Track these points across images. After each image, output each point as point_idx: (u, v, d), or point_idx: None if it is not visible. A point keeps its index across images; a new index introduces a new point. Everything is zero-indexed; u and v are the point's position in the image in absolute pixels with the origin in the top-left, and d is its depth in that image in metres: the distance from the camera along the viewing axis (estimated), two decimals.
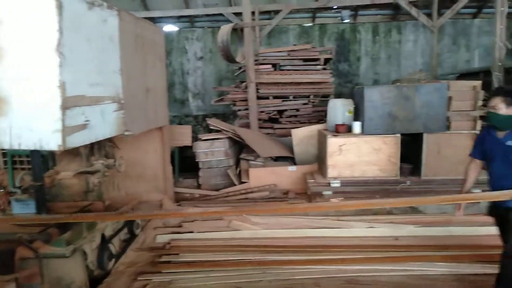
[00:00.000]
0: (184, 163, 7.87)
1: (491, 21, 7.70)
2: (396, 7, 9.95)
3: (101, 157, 3.86)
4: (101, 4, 3.02)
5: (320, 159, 5.65)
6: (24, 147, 2.63)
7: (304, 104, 7.10)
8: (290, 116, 7.16)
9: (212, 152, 6.10)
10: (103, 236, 3.90)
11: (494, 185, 2.91)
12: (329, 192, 5.00)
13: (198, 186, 6.17)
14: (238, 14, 8.89)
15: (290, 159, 6.28)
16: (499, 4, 6.79)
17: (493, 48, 6.90)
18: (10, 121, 2.59)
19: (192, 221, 5.06)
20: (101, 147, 3.88)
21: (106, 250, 3.84)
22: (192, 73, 10.80)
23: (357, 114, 5.30)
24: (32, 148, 2.63)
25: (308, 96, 7.13)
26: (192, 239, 4.67)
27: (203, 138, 6.14)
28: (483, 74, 7.50)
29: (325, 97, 7.17)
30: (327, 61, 7.25)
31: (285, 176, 5.72)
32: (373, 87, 5.02)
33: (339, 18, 10.37)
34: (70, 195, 3.63)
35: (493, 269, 3.65)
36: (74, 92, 2.71)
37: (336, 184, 5.04)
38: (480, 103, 5.04)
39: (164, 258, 4.14)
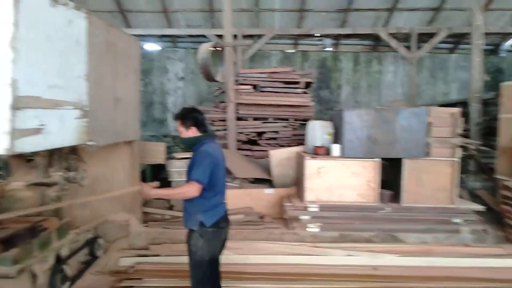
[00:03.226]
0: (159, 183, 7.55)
1: (467, 57, 7.90)
2: (376, 38, 10.17)
3: (61, 169, 3.54)
4: (66, 3, 2.83)
5: (298, 182, 5.46)
6: None
7: (284, 126, 6.97)
8: (270, 139, 7.00)
9: None
10: (58, 256, 3.54)
11: None
12: (307, 217, 4.78)
13: (170, 208, 5.84)
14: (221, 36, 8.88)
15: (268, 182, 6.07)
16: (475, 38, 6.97)
17: (471, 80, 7.02)
18: None
19: (160, 244, 4.73)
20: (62, 158, 3.58)
21: (60, 272, 3.47)
22: (173, 93, 10.63)
23: (337, 137, 5.18)
24: None
25: (288, 119, 7.02)
26: (159, 263, 4.33)
27: (178, 157, 5.88)
28: (461, 106, 7.58)
29: (306, 121, 7.07)
30: (308, 85, 7.21)
31: (261, 199, 5.49)
32: (353, 110, 4.92)
33: (321, 46, 10.50)
34: (22, 208, 3.28)
35: None
36: (28, 93, 2.46)
37: (314, 208, 4.83)
38: (459, 130, 5.01)
39: (125, 283, 3.78)
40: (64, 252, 3.69)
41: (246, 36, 9.92)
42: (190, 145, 2.86)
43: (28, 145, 2.49)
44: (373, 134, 4.82)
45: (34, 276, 3.16)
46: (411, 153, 4.84)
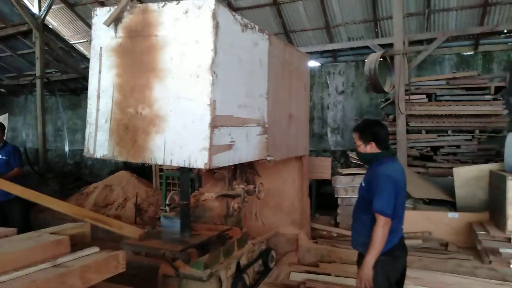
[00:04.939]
0: (321, 199, 7.49)
1: None
2: None
3: (242, 182, 3.81)
4: (253, 27, 3.02)
5: (493, 207, 4.54)
6: (175, 163, 2.68)
7: (467, 140, 6.02)
8: (448, 154, 6.14)
9: (353, 188, 5.57)
10: (238, 264, 3.77)
11: None
12: (509, 251, 3.90)
13: (336, 225, 5.68)
14: (385, 46, 8.39)
15: (448, 204, 5.27)
16: None
17: None
18: (165, 138, 2.69)
19: (330, 262, 4.59)
20: (243, 172, 3.84)
21: (240, 280, 3.69)
22: (332, 108, 10.54)
23: None
24: (182, 165, 2.66)
25: (473, 131, 6.03)
26: (330, 282, 4.19)
27: (344, 173, 5.69)
28: None
29: (495, 132, 5.96)
30: (498, 90, 6.08)
31: (442, 223, 4.78)
32: None
33: (511, 44, 8.80)
34: (211, 217, 3.63)
35: None
36: (223, 112, 2.69)
37: None
38: None
39: None
40: (243, 261, 3.92)
41: (413, 43, 9.12)
42: (367, 161, 2.70)
43: (222, 160, 2.71)
44: None
45: (220, 281, 3.43)
46: None
